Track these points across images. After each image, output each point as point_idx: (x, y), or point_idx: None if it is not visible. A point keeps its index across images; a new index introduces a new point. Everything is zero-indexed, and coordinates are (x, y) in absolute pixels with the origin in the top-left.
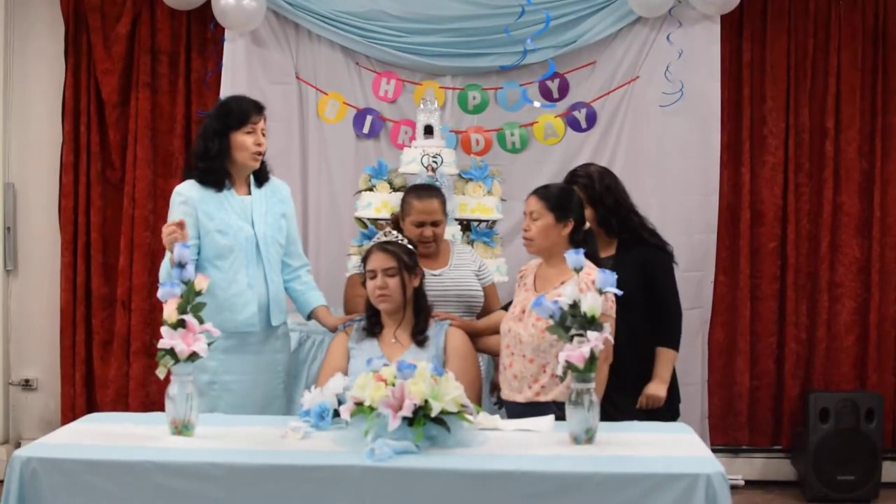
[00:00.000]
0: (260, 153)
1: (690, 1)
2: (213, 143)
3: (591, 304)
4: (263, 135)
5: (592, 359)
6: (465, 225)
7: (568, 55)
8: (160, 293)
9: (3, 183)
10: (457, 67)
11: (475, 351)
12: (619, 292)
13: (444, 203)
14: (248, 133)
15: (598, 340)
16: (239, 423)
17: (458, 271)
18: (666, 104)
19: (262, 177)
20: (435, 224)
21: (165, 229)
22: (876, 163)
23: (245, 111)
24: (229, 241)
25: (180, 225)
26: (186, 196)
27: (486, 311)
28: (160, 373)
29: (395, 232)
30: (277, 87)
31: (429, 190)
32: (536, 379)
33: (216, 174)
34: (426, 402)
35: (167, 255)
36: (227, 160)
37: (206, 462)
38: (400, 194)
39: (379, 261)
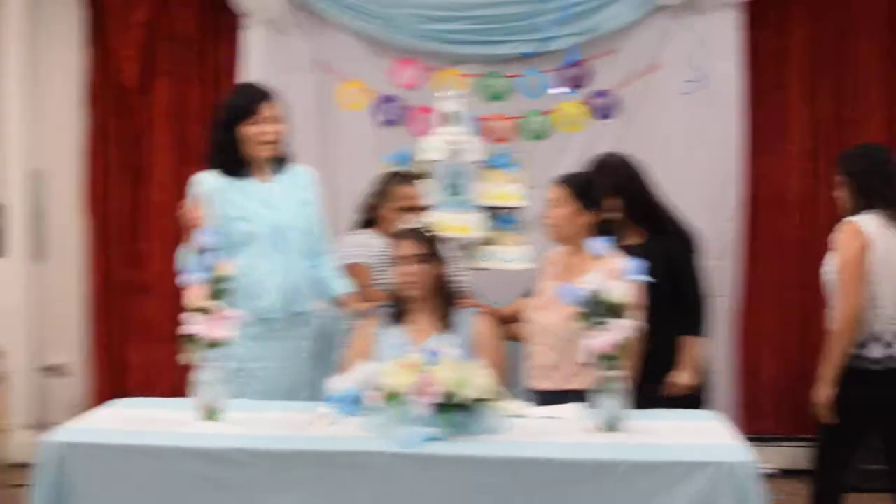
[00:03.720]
0: (267, 142)
1: None
2: (221, 136)
3: (616, 291)
4: (273, 121)
5: (619, 346)
6: (488, 212)
7: (590, 42)
8: (183, 279)
9: (29, 170)
10: (478, 55)
11: (502, 338)
12: (646, 280)
13: (423, 188)
14: (254, 124)
15: (624, 328)
16: (266, 408)
17: None
18: (688, 92)
19: (283, 163)
20: (419, 210)
21: (181, 216)
22: None
23: (249, 102)
24: (250, 228)
25: (197, 204)
26: (206, 184)
27: None
28: (184, 359)
29: (422, 219)
30: (297, 75)
31: (410, 175)
32: (561, 367)
33: (233, 165)
34: (453, 388)
35: (184, 244)
36: (240, 150)
37: (234, 447)
38: (420, 182)
39: (406, 248)
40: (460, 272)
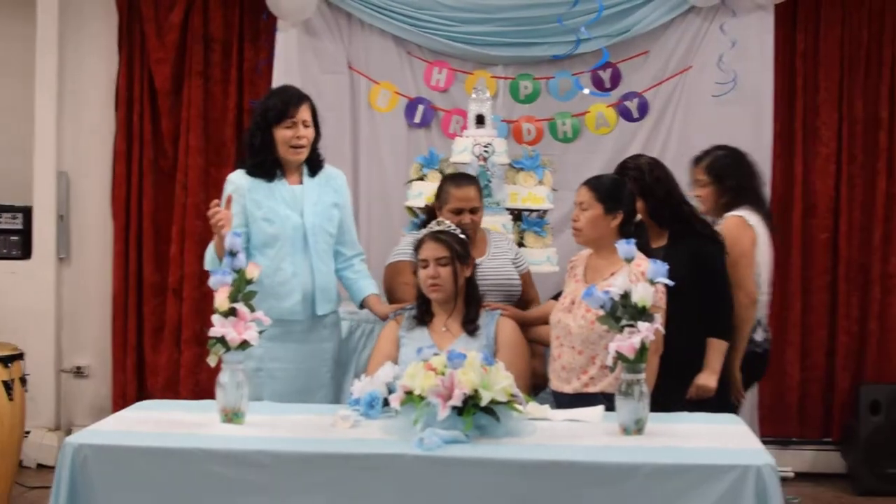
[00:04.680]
0: (299, 146)
1: None
2: (256, 138)
3: (642, 294)
4: (306, 126)
5: (643, 349)
6: (516, 215)
7: (621, 44)
8: (211, 281)
9: (56, 171)
10: (509, 57)
11: (526, 341)
12: (670, 283)
13: (480, 190)
14: (288, 127)
15: (649, 331)
16: (288, 411)
17: (497, 260)
18: (719, 94)
19: (315, 166)
20: (473, 211)
21: (211, 215)
22: None
23: (284, 105)
24: (275, 230)
25: (227, 203)
26: (236, 184)
27: (523, 298)
28: (211, 361)
29: (447, 221)
30: (329, 77)
31: (465, 177)
32: (585, 370)
33: (265, 167)
34: (476, 391)
35: (211, 243)
36: (274, 152)
37: (256, 450)
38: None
39: (431, 250)
40: (510, 271)
